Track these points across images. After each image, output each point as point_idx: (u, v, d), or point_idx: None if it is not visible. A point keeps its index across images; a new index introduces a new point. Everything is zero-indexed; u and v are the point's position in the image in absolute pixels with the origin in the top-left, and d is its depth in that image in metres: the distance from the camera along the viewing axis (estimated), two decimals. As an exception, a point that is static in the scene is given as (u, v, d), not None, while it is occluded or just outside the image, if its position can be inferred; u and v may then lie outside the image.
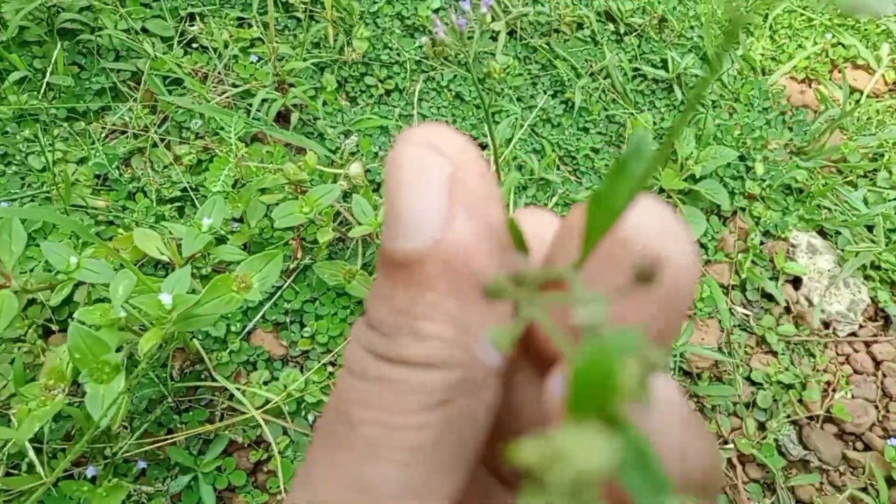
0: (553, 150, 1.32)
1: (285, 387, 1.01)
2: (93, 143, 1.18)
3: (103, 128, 1.22)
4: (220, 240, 1.06)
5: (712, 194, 1.28)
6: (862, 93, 1.52)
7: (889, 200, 1.34)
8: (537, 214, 0.27)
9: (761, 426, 1.14)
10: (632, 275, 0.18)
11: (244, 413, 0.98)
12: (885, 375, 1.20)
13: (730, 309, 1.23)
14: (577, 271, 0.21)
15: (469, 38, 0.62)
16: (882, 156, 1.40)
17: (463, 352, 0.21)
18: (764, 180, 1.35)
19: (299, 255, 1.10)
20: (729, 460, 1.09)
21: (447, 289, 0.22)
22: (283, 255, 1.12)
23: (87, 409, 0.71)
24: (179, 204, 1.15)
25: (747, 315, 1.23)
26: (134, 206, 1.13)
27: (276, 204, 1.03)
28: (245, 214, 1.06)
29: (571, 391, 0.14)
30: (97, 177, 1.16)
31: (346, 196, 1.15)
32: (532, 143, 1.35)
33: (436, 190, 0.22)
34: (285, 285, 1.10)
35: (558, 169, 1.33)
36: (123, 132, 1.21)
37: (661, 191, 1.33)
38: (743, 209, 1.34)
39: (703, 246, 1.29)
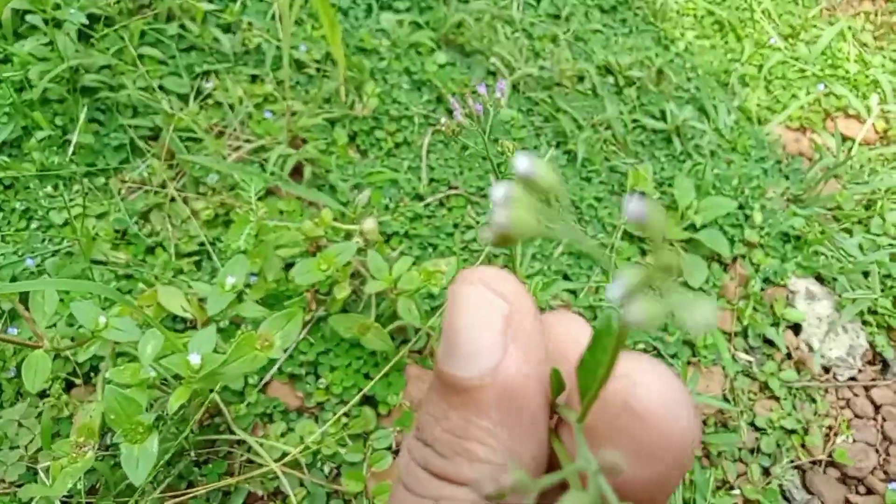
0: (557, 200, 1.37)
1: (301, 438, 1.03)
2: (112, 198, 1.22)
3: (123, 181, 1.26)
4: (238, 294, 1.09)
5: (712, 243, 1.33)
6: (854, 141, 1.58)
7: (883, 247, 1.38)
8: (570, 321, 0.30)
9: (765, 471, 1.16)
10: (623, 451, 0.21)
11: (262, 465, 1.00)
12: (884, 419, 1.22)
13: (732, 356, 1.27)
14: (581, 430, 0.24)
15: (485, 115, 0.67)
16: (875, 203, 1.45)
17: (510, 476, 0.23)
18: (762, 228, 1.39)
19: (314, 307, 1.14)
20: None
21: (499, 418, 0.24)
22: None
23: (124, 469, 0.73)
24: (197, 258, 1.18)
25: (750, 361, 1.27)
26: (153, 260, 1.16)
27: (293, 259, 1.06)
28: (262, 269, 1.09)
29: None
30: (117, 231, 1.20)
31: (359, 251, 1.18)
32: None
33: (494, 327, 0.25)
34: (300, 337, 1.13)
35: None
36: (142, 187, 1.26)
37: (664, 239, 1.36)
38: (743, 256, 1.38)
39: (704, 293, 1.32)
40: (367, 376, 1.10)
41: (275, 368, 1.10)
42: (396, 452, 1.07)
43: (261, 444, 1.02)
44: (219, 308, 0.91)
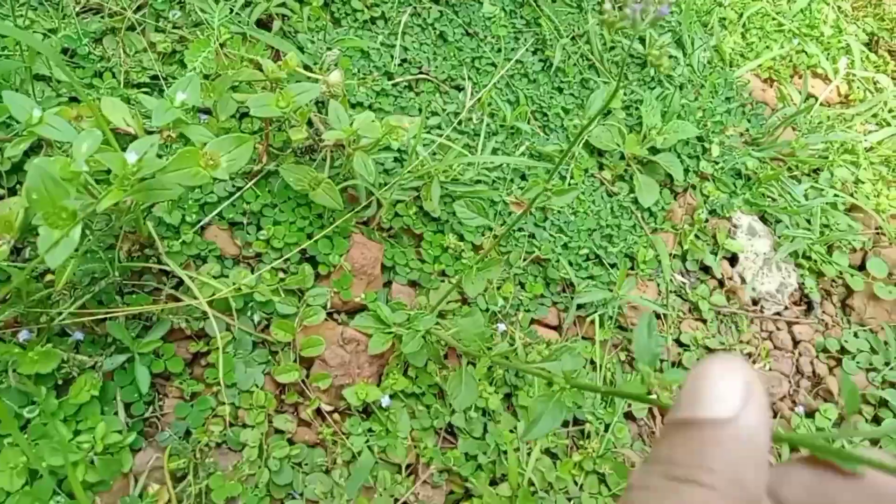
0: (527, 103, 1.35)
1: (235, 283, 1.01)
2: (64, 16, 1.14)
3: (77, 2, 1.18)
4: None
5: (668, 166, 1.34)
6: (817, 99, 1.61)
7: (826, 198, 1.43)
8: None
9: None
10: None
11: (187, 302, 0.98)
12: (801, 354, 1.28)
13: (668, 279, 1.30)
14: None
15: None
16: (827, 157, 1.49)
17: None
18: (717, 162, 1.41)
19: (265, 160, 1.10)
20: (650, 410, 1.15)
21: (730, 459, 0.28)
22: (250, 160, 1.12)
23: (40, 250, 0.70)
24: (147, 91, 1.12)
25: (684, 283, 1.30)
26: (100, 83, 1.10)
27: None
28: (215, 107, 1.05)
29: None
30: (65, 51, 1.13)
31: (321, 107, 1.15)
32: (507, 94, 1.38)
33: (739, 380, 0.29)
34: (246, 186, 1.09)
35: (529, 123, 1.36)
36: (98, 11, 1.18)
37: (622, 157, 1.38)
38: (694, 187, 1.40)
39: (652, 214, 1.34)
40: (310, 237, 1.08)
41: (215, 213, 1.07)
42: (331, 313, 1.06)
43: (192, 280, 0.99)
44: (163, 121, 0.86)
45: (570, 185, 1.29)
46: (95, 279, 0.98)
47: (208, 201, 1.07)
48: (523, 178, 1.29)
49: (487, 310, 1.14)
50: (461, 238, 1.18)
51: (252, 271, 1.06)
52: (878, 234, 1.44)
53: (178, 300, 1.01)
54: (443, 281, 1.15)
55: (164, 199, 0.88)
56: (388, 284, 1.12)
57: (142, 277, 1.02)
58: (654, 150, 1.37)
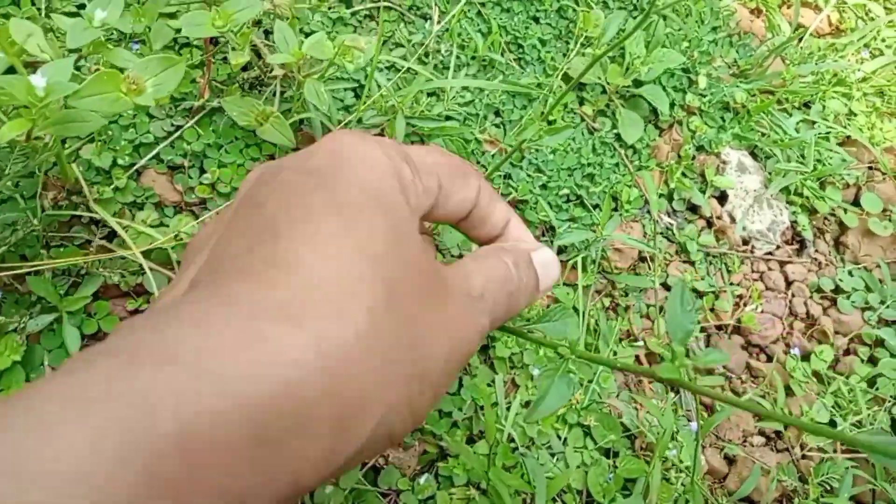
0: (500, 33, 1.24)
1: (175, 232, 0.90)
2: (-33, -65, 1.00)
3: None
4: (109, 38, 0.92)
5: (653, 99, 1.24)
6: (807, 28, 1.52)
7: (819, 130, 1.35)
8: None
9: (672, 330, 1.13)
10: None
11: (122, 253, 0.87)
12: (794, 295, 1.21)
13: (653, 217, 1.21)
14: None
15: None
16: (818, 89, 1.40)
17: None
18: (704, 95, 1.32)
19: (207, 95, 0.98)
20: (637, 358, 1.08)
21: None
22: (189, 94, 1.00)
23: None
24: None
25: (671, 224, 1.21)
26: (17, 12, 0.97)
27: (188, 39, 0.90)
28: (147, 35, 0.92)
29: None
30: (-30, -26, 0.99)
31: (270, 36, 1.03)
32: (479, 24, 1.26)
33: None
34: (187, 125, 0.98)
35: (503, 55, 1.25)
36: (7, -70, 1.03)
37: (604, 91, 1.27)
38: (680, 122, 1.31)
39: (636, 152, 1.25)
40: (260, 178, 0.97)
41: (152, 155, 0.95)
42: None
43: (126, 229, 0.88)
44: (80, 43, 0.74)
45: (553, 123, 1.19)
46: (16, 231, 0.86)
47: (144, 142, 0.96)
48: (497, 114, 1.18)
49: (461, 256, 1.04)
50: (430, 179, 1.08)
51: (196, 219, 0.96)
52: (871, 168, 1.37)
53: (111, 252, 0.90)
54: (411, 226, 1.05)
55: (82, 132, 0.76)
56: (349, 230, 1.02)
57: (71, 229, 0.90)
58: (637, 83, 1.27)
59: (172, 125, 0.98)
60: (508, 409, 0.95)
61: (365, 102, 0.98)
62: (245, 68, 1.02)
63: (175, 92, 0.99)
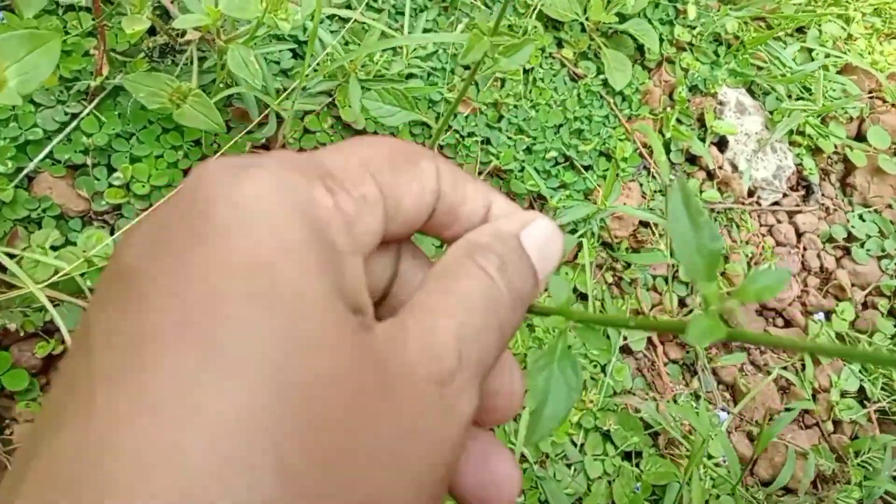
0: (457, -32, 1.04)
1: (85, 252, 0.71)
2: None
3: None
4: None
5: (641, 35, 1.08)
6: (793, -57, 1.36)
7: (817, 59, 1.21)
8: None
9: (682, 302, 1.00)
10: None
11: (20, 288, 0.67)
12: (805, 248, 1.10)
13: (651, 173, 1.07)
14: None
15: None
16: (813, 12, 1.26)
17: None
18: (694, 27, 1.16)
19: (105, 71, 0.77)
20: (649, 339, 0.95)
21: None
22: (82, 72, 0.79)
23: None
24: None
25: (671, 179, 1.07)
26: None
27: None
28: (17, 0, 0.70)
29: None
30: None
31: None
32: (430, -42, 1.06)
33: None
34: (85, 112, 0.77)
35: (463, -6, 1.05)
36: None
37: (583, 29, 1.10)
38: (671, 61, 1.15)
39: (626, 99, 1.09)
40: (186, 173, 0.77)
41: (44, 154, 0.75)
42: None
43: (19, 260, 0.68)
44: None
45: (509, 50, 1.01)
46: None
47: (31, 139, 0.75)
48: (466, 66, 1.00)
49: (441, 246, 0.88)
50: (396, 153, 0.91)
51: (111, 231, 0.76)
52: (872, 97, 1.25)
53: (8, 286, 0.71)
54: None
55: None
56: (306, 227, 0.84)
57: (-56, 261, 0.70)
58: (621, 18, 1.09)
59: (66, 114, 0.77)
60: (517, 420, 0.81)
61: (308, 66, 0.79)
62: (151, 32, 0.81)
63: (64, 71, 0.77)
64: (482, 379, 0.24)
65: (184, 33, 0.75)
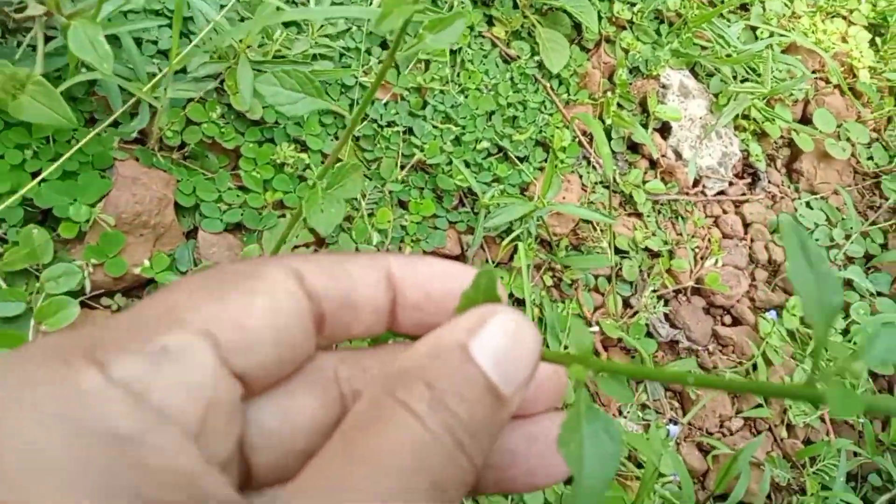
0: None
1: None
2: None
3: None
4: None
5: (579, 12, 0.98)
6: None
7: (762, 38, 1.14)
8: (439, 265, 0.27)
9: (626, 303, 0.92)
10: None
11: None
12: (753, 240, 1.04)
13: (592, 163, 0.98)
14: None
15: None
16: (755, -13, 1.19)
17: None
18: (634, 3, 1.07)
19: (-72, 52, 0.62)
20: (594, 348, 0.87)
21: None
22: None
23: None
24: None
25: (612, 170, 0.99)
26: None
27: None
28: None
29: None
30: None
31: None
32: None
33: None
34: None
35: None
36: None
37: (516, 6, 1.00)
38: (609, 41, 1.06)
39: (563, 82, 1.00)
40: (36, 177, 0.64)
41: None
42: (97, 297, 0.65)
43: None
44: None
45: (437, 25, 0.91)
46: None
47: None
48: (384, 45, 0.89)
49: (357, 250, 0.77)
50: (303, 147, 0.79)
51: (-57, 250, 0.62)
52: (817, 78, 1.19)
53: None
54: (282, 216, 0.76)
55: None
56: (191, 235, 0.72)
57: None
58: (555, -7, 1.00)
59: None
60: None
61: (177, 45, 0.66)
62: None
63: None
64: None
65: (22, 8, 0.61)
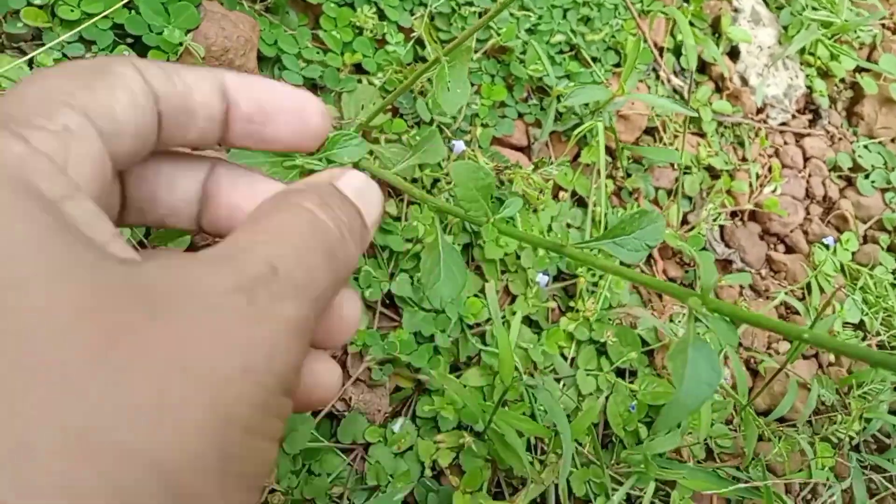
0: None
1: (-8, 77, 0.56)
2: None
3: None
4: None
5: (661, -79, 0.96)
6: None
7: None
8: None
9: (684, 219, 0.92)
10: None
11: None
12: (811, 174, 1.03)
13: (660, 77, 0.96)
14: None
15: None
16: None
17: None
18: (713, -78, 1.05)
19: None
20: (649, 255, 0.86)
21: None
22: None
23: None
24: None
25: (681, 86, 0.97)
26: None
27: None
28: None
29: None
30: None
31: None
32: None
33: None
34: None
35: None
36: None
37: None
38: (683, -42, 1.04)
39: (637, -6, 0.98)
40: (127, 3, 0.62)
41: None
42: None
43: None
44: None
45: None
46: None
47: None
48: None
49: (432, 122, 0.76)
50: (381, 15, 0.77)
51: (31, 64, 0.61)
52: (884, 27, 1.17)
53: None
54: (360, 81, 0.75)
55: None
56: (273, 84, 0.71)
57: None
58: None
59: None
60: (506, 324, 0.71)
61: None
62: None
63: None
64: (318, 300, 0.23)
65: None
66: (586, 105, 0.84)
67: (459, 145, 0.71)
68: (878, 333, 0.91)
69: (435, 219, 0.55)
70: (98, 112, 0.23)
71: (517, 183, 0.74)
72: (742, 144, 1.00)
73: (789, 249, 0.97)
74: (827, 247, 0.92)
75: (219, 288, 0.20)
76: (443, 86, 0.60)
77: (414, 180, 0.72)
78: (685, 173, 0.93)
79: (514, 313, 0.72)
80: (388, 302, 0.70)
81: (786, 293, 0.88)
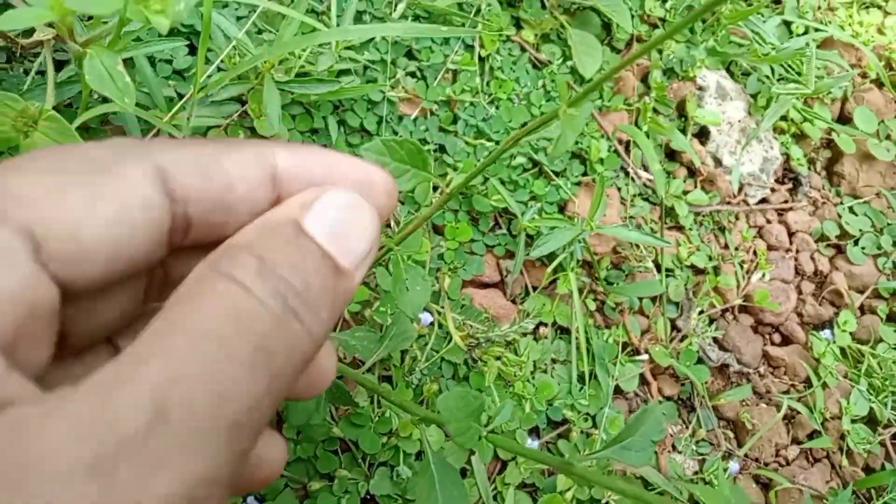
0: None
1: None
2: None
3: None
4: None
5: (610, 11, 0.92)
6: None
7: (797, 33, 1.09)
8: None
9: (673, 325, 0.87)
10: None
11: None
12: (798, 250, 0.99)
13: (630, 174, 0.92)
14: None
15: None
16: (788, -21, 1.13)
17: None
18: (666, 0, 1.01)
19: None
20: (642, 377, 0.82)
21: None
22: None
23: None
24: None
25: (650, 180, 0.93)
26: None
27: None
28: None
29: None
30: None
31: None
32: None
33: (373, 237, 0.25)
34: None
35: (399, -34, 0.87)
36: None
37: (543, 6, 0.94)
38: (640, 40, 1.00)
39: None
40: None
41: None
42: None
43: None
44: None
45: (485, 59, 0.84)
46: None
47: None
48: (411, 55, 0.82)
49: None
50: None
51: None
52: (854, 75, 1.14)
53: None
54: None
55: None
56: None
57: None
58: (586, -8, 0.94)
59: None
60: (498, 499, 0.66)
61: (201, 66, 0.60)
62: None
63: None
64: (239, 429, 0.18)
65: (30, 32, 0.54)
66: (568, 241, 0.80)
67: (427, 318, 0.66)
68: (889, 423, 0.86)
69: (422, 433, 0.52)
70: (53, 230, 0.19)
71: (490, 367, 0.69)
72: (723, 230, 0.95)
73: (786, 339, 0.92)
74: (825, 340, 0.88)
75: (66, 469, 0.15)
76: (400, 287, 0.55)
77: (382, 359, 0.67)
78: (668, 276, 0.88)
79: (506, 484, 0.67)
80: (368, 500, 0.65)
81: (789, 399, 0.84)
